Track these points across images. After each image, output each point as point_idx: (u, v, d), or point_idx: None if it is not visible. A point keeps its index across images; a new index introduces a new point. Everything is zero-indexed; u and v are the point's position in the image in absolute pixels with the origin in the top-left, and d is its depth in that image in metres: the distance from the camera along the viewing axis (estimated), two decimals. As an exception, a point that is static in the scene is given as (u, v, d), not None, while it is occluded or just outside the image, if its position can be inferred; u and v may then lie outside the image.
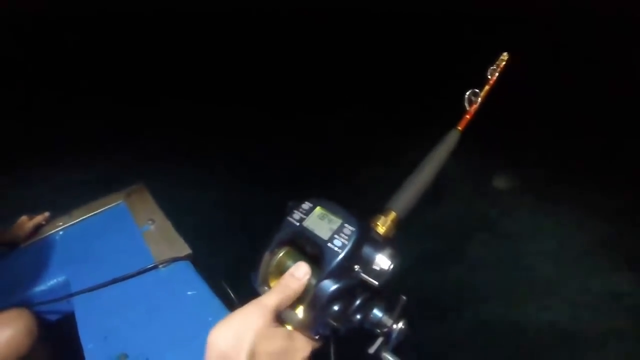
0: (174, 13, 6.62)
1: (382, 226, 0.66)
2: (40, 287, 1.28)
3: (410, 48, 5.31)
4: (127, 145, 3.82)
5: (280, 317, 0.54)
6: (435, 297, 2.36)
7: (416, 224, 2.39)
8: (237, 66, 5.31)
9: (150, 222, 1.32)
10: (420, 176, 0.72)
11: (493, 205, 3.01)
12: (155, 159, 3.57)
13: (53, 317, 1.27)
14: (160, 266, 1.13)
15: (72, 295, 1.16)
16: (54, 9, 6.66)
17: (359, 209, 0.60)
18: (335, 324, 0.54)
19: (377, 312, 0.56)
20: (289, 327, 0.55)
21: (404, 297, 0.58)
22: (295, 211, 0.58)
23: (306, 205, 0.59)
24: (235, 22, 6.35)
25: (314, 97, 4.56)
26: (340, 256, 0.52)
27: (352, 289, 0.54)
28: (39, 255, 1.37)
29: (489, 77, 0.81)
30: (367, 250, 0.55)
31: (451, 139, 0.77)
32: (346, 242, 0.53)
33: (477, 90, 0.80)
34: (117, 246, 1.30)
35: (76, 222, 1.48)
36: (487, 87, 0.80)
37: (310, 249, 0.56)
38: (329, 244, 0.53)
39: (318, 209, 0.58)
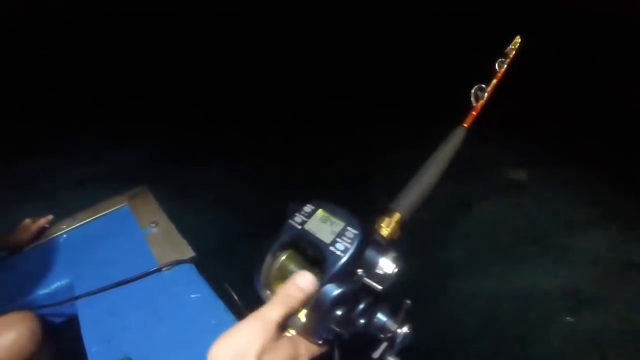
0: (175, 13, 6.64)
1: (385, 228, 0.65)
2: (44, 290, 1.28)
3: (415, 43, 5.31)
4: (131, 147, 3.83)
5: (282, 323, 0.53)
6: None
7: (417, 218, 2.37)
8: (240, 67, 5.31)
9: (153, 224, 1.32)
10: (425, 175, 0.70)
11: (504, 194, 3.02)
12: (158, 161, 3.57)
13: (57, 320, 1.27)
14: (164, 269, 1.13)
15: (75, 298, 1.16)
16: (57, 10, 6.69)
17: (361, 210, 0.59)
18: (338, 329, 0.53)
19: (381, 317, 0.55)
20: (292, 332, 0.54)
21: (409, 301, 0.57)
22: (297, 214, 0.58)
23: (308, 208, 0.58)
24: (238, 21, 6.35)
25: (316, 96, 4.56)
26: (343, 260, 0.51)
27: (356, 293, 0.53)
28: (42, 258, 1.37)
29: (497, 69, 0.78)
30: (370, 253, 0.54)
31: (457, 136, 0.74)
32: (349, 246, 0.52)
33: (484, 86, 0.77)
34: (120, 249, 1.30)
35: (80, 225, 1.48)
36: (494, 82, 0.77)
37: (312, 253, 0.56)
38: (331, 248, 0.52)
39: (320, 212, 0.57)
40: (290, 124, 4.12)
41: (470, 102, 0.78)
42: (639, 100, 3.62)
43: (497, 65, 0.78)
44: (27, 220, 1.53)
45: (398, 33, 5.69)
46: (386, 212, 0.67)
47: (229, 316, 0.95)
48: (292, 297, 0.51)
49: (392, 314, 0.56)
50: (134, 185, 1.60)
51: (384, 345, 0.56)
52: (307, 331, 0.53)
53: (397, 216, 0.66)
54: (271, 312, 0.49)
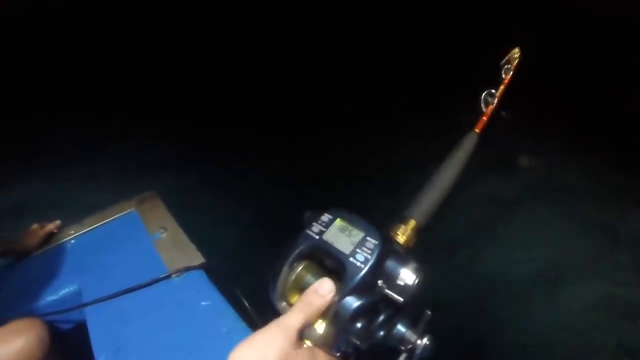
0: (175, 13, 6.65)
1: (402, 235, 0.64)
2: (52, 297, 1.28)
3: (417, 42, 5.31)
4: (140, 152, 3.82)
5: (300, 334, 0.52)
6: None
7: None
8: (243, 68, 5.31)
9: (162, 230, 1.31)
10: (439, 182, 0.70)
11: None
12: (165, 164, 3.57)
13: (65, 327, 1.26)
14: (173, 275, 1.12)
15: (83, 305, 1.15)
16: (57, 10, 6.71)
17: (375, 217, 0.58)
18: (357, 341, 0.52)
19: (400, 328, 0.54)
20: (309, 343, 0.53)
21: (429, 312, 0.55)
22: (314, 223, 0.56)
23: (325, 217, 0.57)
24: (239, 19, 6.36)
25: (320, 95, 4.56)
26: (363, 272, 0.50)
27: (375, 305, 0.52)
28: (50, 264, 1.36)
29: (504, 76, 0.79)
30: (390, 264, 0.52)
31: (469, 142, 0.75)
32: (369, 257, 0.51)
33: (493, 91, 0.78)
34: (129, 255, 1.29)
35: (88, 231, 1.47)
36: (502, 87, 0.78)
37: (331, 264, 0.54)
38: (351, 259, 0.51)
39: (338, 221, 0.56)
40: (298, 124, 4.11)
41: (480, 107, 0.78)
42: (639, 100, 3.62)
43: (503, 72, 0.79)
44: (35, 226, 1.53)
45: (400, 32, 5.69)
46: (402, 219, 0.66)
47: (240, 324, 0.94)
48: (313, 304, 0.50)
49: (412, 324, 0.55)
50: (140, 188, 1.59)
51: (403, 356, 0.55)
52: (325, 343, 0.52)
53: (412, 223, 0.65)
54: (292, 319, 0.49)
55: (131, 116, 4.39)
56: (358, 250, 0.52)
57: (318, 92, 4.58)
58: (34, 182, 3.49)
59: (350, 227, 0.55)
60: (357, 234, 0.53)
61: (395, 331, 0.54)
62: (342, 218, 0.56)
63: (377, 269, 0.51)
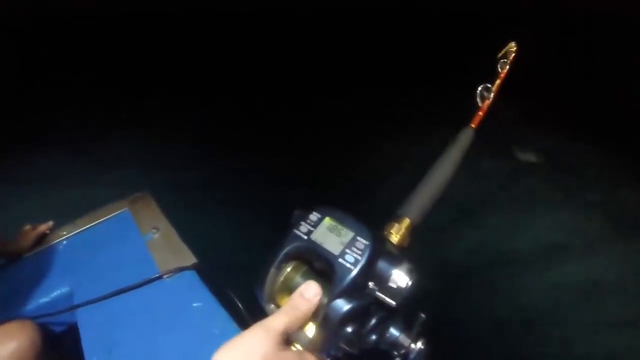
0: (175, 14, 6.62)
1: (395, 235, 0.61)
2: (43, 299, 1.26)
3: (418, 40, 5.29)
4: (130, 148, 3.80)
5: (287, 338, 0.50)
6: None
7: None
8: (241, 66, 5.29)
9: (154, 230, 1.29)
10: (434, 178, 0.68)
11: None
12: (159, 163, 3.55)
13: (57, 329, 1.25)
14: (165, 276, 1.10)
15: (74, 307, 1.13)
16: (57, 10, 6.68)
17: (373, 216, 0.56)
18: (347, 346, 0.50)
19: (393, 331, 0.52)
20: (298, 347, 0.51)
21: (423, 315, 0.53)
22: (302, 223, 0.54)
23: (314, 216, 0.54)
24: (239, 17, 6.33)
25: (317, 94, 4.54)
26: (353, 273, 0.47)
27: (367, 308, 0.49)
28: (42, 265, 1.34)
29: (500, 70, 0.77)
30: (382, 265, 0.50)
31: (465, 137, 0.72)
32: (359, 258, 0.48)
33: (489, 86, 0.76)
34: (121, 256, 1.27)
35: (80, 231, 1.45)
36: (498, 82, 0.76)
37: (320, 265, 0.52)
38: (340, 260, 0.49)
39: (327, 220, 0.53)
40: (296, 123, 4.09)
41: (475, 102, 0.76)
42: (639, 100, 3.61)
43: (499, 66, 0.77)
44: (27, 227, 1.51)
45: (398, 30, 5.67)
46: (395, 217, 0.64)
47: (232, 325, 0.92)
48: (298, 308, 0.48)
49: (406, 327, 0.53)
50: (133, 188, 1.57)
51: None
52: (314, 347, 0.50)
53: (406, 222, 0.63)
54: (276, 321, 0.47)
55: (128, 114, 4.36)
56: (348, 250, 0.49)
57: (316, 91, 4.56)
58: (32, 182, 3.47)
59: (340, 227, 0.52)
60: (347, 234, 0.51)
61: (387, 335, 0.52)
62: (332, 217, 0.53)
63: (368, 271, 0.49)
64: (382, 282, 0.49)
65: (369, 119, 4.04)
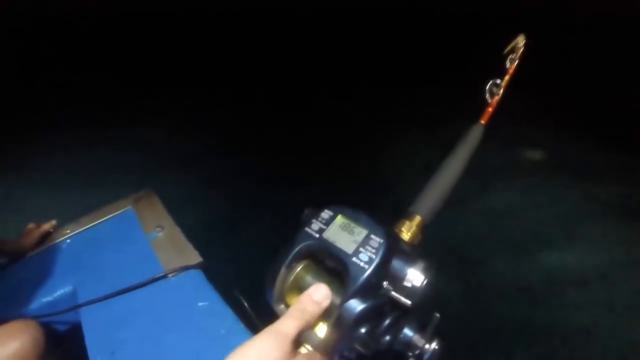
0: (175, 13, 6.61)
1: (407, 232, 0.60)
2: (47, 298, 1.25)
3: (424, 41, 5.28)
4: (136, 149, 3.79)
5: (297, 338, 0.48)
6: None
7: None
8: (243, 61, 5.29)
9: (159, 229, 1.28)
10: (444, 175, 0.67)
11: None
12: (164, 161, 3.54)
13: (60, 329, 1.23)
14: (170, 275, 1.08)
15: (78, 306, 1.12)
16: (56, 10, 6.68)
17: (377, 212, 0.54)
18: (361, 347, 0.48)
19: (408, 332, 0.50)
20: (308, 347, 0.49)
21: (437, 315, 0.52)
22: (314, 221, 0.52)
23: (326, 214, 0.53)
24: (240, 15, 6.32)
25: (324, 97, 4.53)
26: (367, 273, 0.46)
27: (381, 308, 0.48)
28: (45, 264, 1.33)
29: (508, 65, 0.76)
30: (397, 264, 0.49)
31: (475, 134, 0.72)
32: (373, 257, 0.47)
33: (499, 81, 0.75)
34: (125, 254, 1.26)
35: (84, 230, 1.44)
36: (507, 77, 0.75)
37: (332, 264, 0.51)
38: (354, 259, 0.47)
39: (339, 218, 0.52)
40: (298, 122, 4.09)
41: (484, 98, 0.76)
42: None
43: (507, 62, 0.76)
44: (31, 225, 1.50)
45: (400, 28, 5.66)
46: (406, 215, 0.63)
47: (239, 325, 0.91)
48: (306, 310, 0.47)
49: (420, 328, 0.51)
50: (139, 185, 1.56)
51: None
52: (325, 348, 0.48)
53: (417, 219, 0.62)
54: (285, 326, 0.46)
55: (130, 113, 4.36)
56: (361, 249, 0.48)
57: (318, 90, 4.55)
58: (30, 180, 3.46)
59: (353, 225, 0.51)
60: (360, 232, 0.50)
61: (401, 335, 0.50)
62: (344, 215, 0.52)
63: (383, 270, 0.48)
64: (397, 281, 0.48)
65: (373, 118, 4.03)
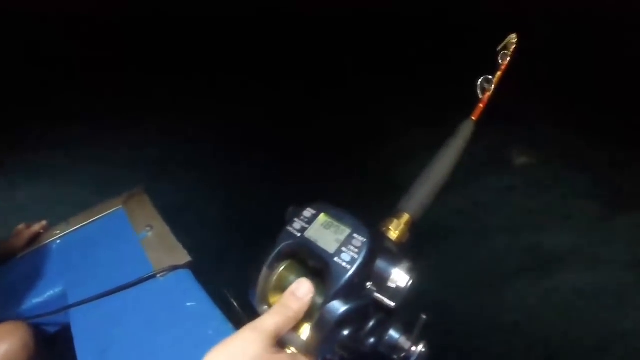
0: (173, 14, 6.57)
1: (394, 231, 0.58)
2: (36, 299, 1.23)
3: (417, 36, 5.25)
4: (127, 149, 3.76)
5: (280, 340, 0.47)
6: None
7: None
8: (238, 62, 5.25)
9: (148, 228, 1.26)
10: (434, 173, 0.65)
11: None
12: (155, 162, 3.51)
13: (50, 330, 1.22)
14: (159, 275, 1.06)
15: (67, 307, 1.10)
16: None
17: (365, 211, 0.53)
18: (344, 350, 0.47)
19: (393, 334, 0.49)
20: (292, 349, 0.48)
21: (424, 316, 0.50)
22: (296, 219, 0.51)
23: (308, 213, 0.51)
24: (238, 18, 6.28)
25: (310, 81, 4.50)
26: (350, 273, 0.44)
27: (364, 310, 0.46)
28: (35, 265, 1.31)
29: (500, 62, 0.76)
30: (380, 264, 0.47)
31: (465, 130, 0.71)
32: (356, 256, 0.45)
33: (490, 77, 0.75)
34: (114, 255, 1.24)
35: (73, 230, 1.42)
36: (499, 73, 0.75)
37: (314, 264, 0.49)
38: (336, 259, 0.46)
39: (322, 217, 0.50)
40: (291, 117, 4.06)
41: (476, 94, 0.75)
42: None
43: (499, 58, 0.76)
44: (21, 226, 1.48)
45: (396, 23, 5.62)
46: (394, 213, 0.61)
47: (227, 325, 0.89)
48: (289, 307, 0.46)
49: (406, 330, 0.50)
50: (129, 185, 1.54)
51: None
52: (308, 351, 0.47)
53: (406, 217, 0.60)
54: (266, 322, 0.45)
55: (121, 111, 4.33)
56: (344, 248, 0.46)
57: (318, 89, 4.52)
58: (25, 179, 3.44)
59: (336, 223, 0.49)
60: (343, 231, 0.48)
61: (387, 338, 0.49)
62: (327, 213, 0.50)
63: (366, 270, 0.46)
64: (381, 282, 0.47)
65: (363, 114, 4.00)
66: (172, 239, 1.19)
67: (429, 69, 4.41)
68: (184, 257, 1.11)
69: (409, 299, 0.47)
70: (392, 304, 0.45)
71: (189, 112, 4.24)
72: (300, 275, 0.50)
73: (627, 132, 3.23)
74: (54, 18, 6.47)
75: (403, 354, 0.48)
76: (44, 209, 1.48)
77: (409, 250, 0.56)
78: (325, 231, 0.49)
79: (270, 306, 0.52)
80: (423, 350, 0.48)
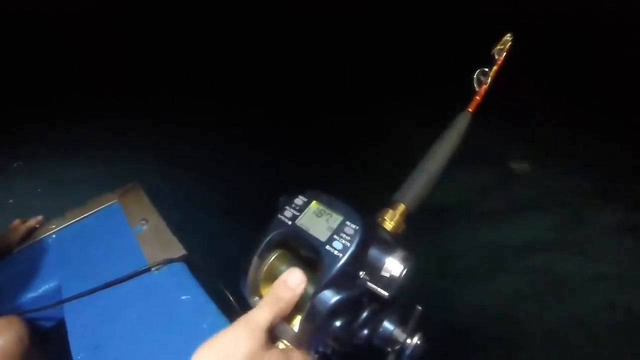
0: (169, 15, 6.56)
1: (390, 221, 0.57)
2: (32, 294, 1.22)
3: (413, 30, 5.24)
4: (122, 143, 3.75)
5: (273, 332, 0.46)
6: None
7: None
8: (233, 57, 5.24)
9: (143, 222, 1.25)
10: (430, 163, 0.65)
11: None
12: (150, 156, 3.50)
13: (45, 325, 1.21)
14: (153, 269, 1.06)
15: (61, 302, 1.09)
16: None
17: (362, 202, 0.52)
18: (336, 341, 0.45)
19: (387, 325, 0.47)
20: (284, 343, 0.47)
21: (420, 307, 0.49)
22: (287, 207, 0.50)
23: (299, 200, 0.50)
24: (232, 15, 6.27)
25: (311, 81, 4.49)
26: (341, 262, 0.43)
27: (357, 300, 0.45)
28: (30, 260, 1.30)
29: (496, 57, 0.77)
30: (374, 252, 0.46)
31: (462, 121, 0.71)
32: (348, 244, 0.44)
33: (487, 70, 0.76)
34: (110, 248, 1.23)
35: (69, 225, 1.41)
36: (495, 67, 0.76)
37: (306, 252, 0.48)
38: (328, 247, 0.44)
39: (314, 204, 0.49)
40: (287, 111, 4.06)
41: (472, 87, 0.76)
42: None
43: (495, 53, 0.77)
44: (16, 221, 1.47)
45: (394, 18, 5.62)
46: (390, 203, 0.61)
47: (222, 319, 0.88)
48: (280, 297, 0.45)
49: (401, 321, 0.48)
50: (124, 179, 1.53)
51: (391, 358, 0.48)
52: (300, 343, 0.46)
53: (401, 208, 0.59)
54: (259, 315, 0.44)
55: (118, 112, 4.32)
56: (336, 236, 0.45)
57: (317, 90, 4.51)
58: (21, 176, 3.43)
59: (328, 211, 0.48)
60: (335, 219, 0.47)
61: (381, 329, 0.47)
62: (319, 201, 0.49)
63: (358, 259, 0.45)
64: (374, 271, 0.45)
65: (363, 114, 3.99)
66: (167, 233, 1.18)
67: (429, 69, 4.40)
68: (179, 250, 1.10)
69: (404, 289, 0.45)
70: (386, 294, 0.44)
71: (189, 112, 4.22)
72: (292, 264, 0.49)
73: (627, 132, 3.22)
74: (54, 18, 6.45)
75: (398, 346, 0.47)
76: (43, 209, 1.48)
77: (405, 242, 0.55)
78: (317, 219, 0.48)
79: (261, 296, 0.51)
80: (418, 342, 0.47)
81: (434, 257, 2.41)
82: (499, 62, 0.77)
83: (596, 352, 2.00)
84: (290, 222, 0.48)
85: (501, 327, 2.14)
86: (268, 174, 3.16)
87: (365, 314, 0.46)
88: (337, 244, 0.44)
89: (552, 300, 2.25)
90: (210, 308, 0.91)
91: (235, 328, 0.43)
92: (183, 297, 0.96)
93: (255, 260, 0.49)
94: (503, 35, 0.80)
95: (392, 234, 0.55)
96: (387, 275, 0.45)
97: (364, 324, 0.47)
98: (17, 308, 1.20)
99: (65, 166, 3.52)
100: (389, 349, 0.47)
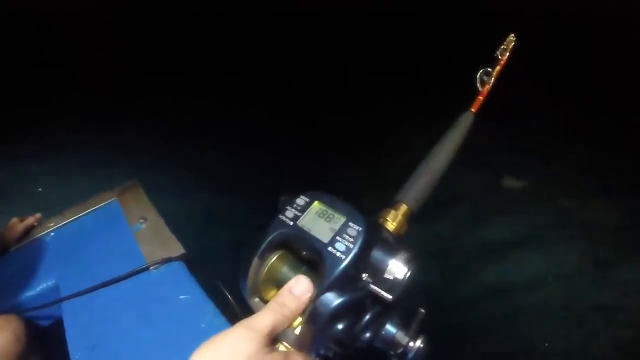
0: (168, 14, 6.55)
1: (392, 222, 0.56)
2: (30, 292, 1.21)
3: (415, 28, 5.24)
4: (122, 141, 3.74)
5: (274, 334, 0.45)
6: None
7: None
8: (233, 56, 5.23)
9: (142, 220, 1.24)
10: (433, 163, 0.64)
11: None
12: (149, 154, 3.49)
13: (42, 323, 1.20)
14: (152, 268, 1.05)
15: (59, 300, 1.09)
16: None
17: (362, 202, 0.51)
18: (338, 345, 0.45)
19: (390, 328, 0.47)
20: (285, 345, 0.46)
21: (422, 310, 0.48)
22: (289, 208, 0.49)
23: (301, 200, 0.49)
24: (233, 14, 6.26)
25: (312, 81, 4.48)
26: (344, 264, 0.42)
27: (360, 303, 0.44)
28: (28, 258, 1.30)
29: (499, 57, 0.77)
30: (377, 254, 0.45)
31: (464, 121, 0.70)
32: (351, 246, 0.43)
33: (490, 70, 0.76)
34: (108, 247, 1.22)
35: (68, 223, 1.40)
36: (498, 68, 0.76)
37: (308, 254, 0.47)
38: (330, 249, 0.43)
39: (316, 205, 0.48)
40: (288, 111, 4.04)
41: (475, 87, 0.77)
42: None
43: (499, 53, 0.77)
44: (15, 219, 1.47)
45: (394, 19, 5.62)
46: (392, 204, 0.60)
47: (220, 319, 0.87)
48: (286, 306, 0.44)
49: (403, 324, 0.48)
50: (124, 177, 1.52)
51: None
52: (301, 346, 0.45)
53: (403, 208, 0.59)
54: (261, 320, 0.43)
55: (118, 112, 4.30)
56: (338, 238, 0.44)
57: (317, 89, 4.51)
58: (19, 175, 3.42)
59: (330, 211, 0.47)
60: (338, 219, 0.46)
61: (383, 332, 0.47)
62: (321, 201, 0.48)
63: (361, 261, 0.44)
64: (377, 273, 0.44)
65: (363, 113, 3.98)
66: (166, 231, 1.18)
67: (430, 69, 4.39)
68: (178, 249, 1.09)
69: (408, 292, 0.45)
70: (390, 297, 0.43)
71: (189, 112, 4.21)
72: (294, 266, 0.48)
73: (627, 132, 3.22)
74: (54, 18, 6.43)
75: (400, 350, 0.46)
76: (43, 209, 1.47)
77: (409, 245, 0.54)
78: (319, 220, 0.47)
79: (261, 298, 0.50)
80: (421, 345, 0.46)
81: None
82: (502, 63, 0.77)
83: (596, 352, 2.00)
84: (291, 223, 0.47)
85: (494, 323, 2.14)
86: (268, 173, 3.15)
87: (367, 317, 0.46)
88: (340, 246, 0.43)
89: (551, 300, 2.24)
90: (209, 307, 0.90)
91: (235, 330, 0.42)
92: (181, 297, 0.95)
93: (255, 260, 0.48)
94: (506, 35, 0.80)
95: (394, 235, 0.54)
96: (391, 277, 0.44)
97: (366, 327, 0.46)
98: (14, 306, 1.19)
99: (65, 166, 3.50)
100: (392, 352, 0.47)
